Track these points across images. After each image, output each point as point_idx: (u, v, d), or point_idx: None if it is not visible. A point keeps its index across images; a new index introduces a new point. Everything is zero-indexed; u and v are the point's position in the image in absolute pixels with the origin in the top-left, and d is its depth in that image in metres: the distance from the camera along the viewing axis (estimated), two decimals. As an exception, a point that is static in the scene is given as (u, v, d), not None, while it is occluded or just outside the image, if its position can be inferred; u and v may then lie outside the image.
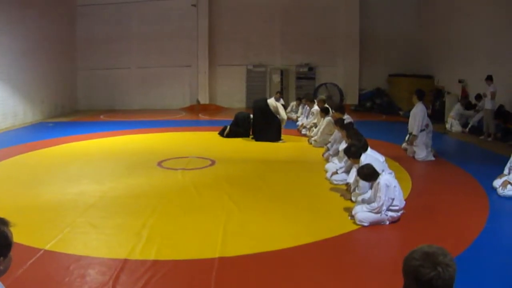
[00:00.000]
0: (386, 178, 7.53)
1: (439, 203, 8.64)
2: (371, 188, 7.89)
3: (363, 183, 8.22)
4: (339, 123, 11.40)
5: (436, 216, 7.91)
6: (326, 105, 15.06)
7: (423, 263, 2.56)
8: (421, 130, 12.26)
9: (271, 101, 15.47)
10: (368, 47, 24.52)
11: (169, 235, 7.15)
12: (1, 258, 2.87)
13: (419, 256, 2.60)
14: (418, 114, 12.33)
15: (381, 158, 9.10)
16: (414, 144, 12.30)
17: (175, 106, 24.79)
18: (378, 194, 7.39)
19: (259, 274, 5.84)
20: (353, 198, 8.50)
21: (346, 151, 8.97)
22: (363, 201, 7.83)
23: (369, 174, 7.63)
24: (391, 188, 7.40)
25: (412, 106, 12.89)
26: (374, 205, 7.37)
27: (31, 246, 6.48)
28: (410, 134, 12.49)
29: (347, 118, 12.60)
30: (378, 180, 7.48)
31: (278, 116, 15.12)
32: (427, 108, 13.31)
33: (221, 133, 15.79)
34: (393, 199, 7.38)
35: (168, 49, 24.80)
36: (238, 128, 15.72)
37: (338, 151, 11.05)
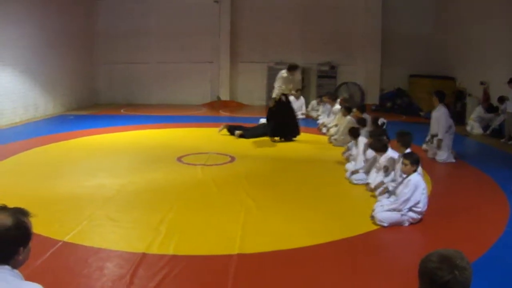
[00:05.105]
0: (418, 179, 7.53)
1: (459, 206, 8.55)
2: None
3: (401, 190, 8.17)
4: (361, 122, 11.60)
5: (456, 219, 7.84)
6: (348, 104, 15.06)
7: (440, 265, 2.55)
8: (447, 131, 12.21)
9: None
10: (389, 47, 24.33)
11: (187, 230, 7.17)
12: (21, 248, 2.89)
13: (436, 259, 2.59)
14: (441, 118, 12.22)
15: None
16: (443, 146, 12.20)
17: (196, 102, 24.77)
18: (404, 190, 7.39)
19: (277, 272, 5.84)
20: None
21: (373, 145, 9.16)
22: (389, 192, 7.92)
23: (418, 158, 7.70)
24: (419, 190, 7.39)
25: (433, 107, 12.81)
26: (398, 199, 7.40)
27: (50, 237, 6.53)
28: (432, 136, 12.44)
29: (365, 116, 12.76)
30: (410, 177, 7.50)
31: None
32: (449, 109, 13.19)
33: (231, 131, 15.43)
34: (418, 202, 7.37)
35: (190, 45, 24.76)
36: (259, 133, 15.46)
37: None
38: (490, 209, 8.38)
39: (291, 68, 14.82)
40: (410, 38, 23.84)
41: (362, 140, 10.89)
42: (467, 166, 11.87)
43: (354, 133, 11.27)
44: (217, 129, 15.69)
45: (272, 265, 6.02)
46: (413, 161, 7.61)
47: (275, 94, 14.51)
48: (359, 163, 10.37)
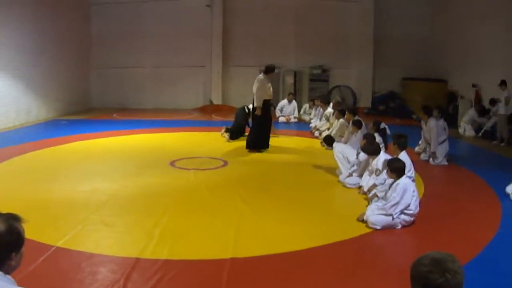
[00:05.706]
0: (406, 182, 7.54)
1: (451, 208, 8.56)
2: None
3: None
4: (356, 124, 11.68)
5: (448, 221, 7.85)
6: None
7: (431, 269, 2.55)
8: (441, 142, 12.27)
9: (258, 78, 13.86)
10: (382, 50, 24.36)
11: (181, 235, 7.16)
12: (13, 253, 2.88)
13: (428, 262, 2.58)
14: (432, 131, 12.29)
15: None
16: (437, 156, 12.25)
17: (188, 106, 24.73)
18: (393, 194, 7.40)
19: (271, 276, 5.85)
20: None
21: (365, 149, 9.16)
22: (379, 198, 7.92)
23: (400, 168, 7.67)
24: (408, 193, 7.39)
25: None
26: (387, 204, 7.39)
27: (43, 242, 6.50)
28: (428, 144, 12.54)
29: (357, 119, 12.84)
30: (398, 181, 7.50)
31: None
32: (442, 114, 13.18)
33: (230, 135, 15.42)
34: (408, 204, 7.38)
35: (182, 49, 24.71)
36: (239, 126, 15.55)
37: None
38: (482, 211, 8.42)
39: (268, 70, 13.75)
40: (402, 41, 23.88)
41: (337, 146, 10.93)
42: (460, 168, 11.91)
43: (328, 141, 11.30)
44: (210, 133, 15.73)
45: (265, 269, 6.02)
46: (392, 169, 7.66)
47: (257, 103, 13.60)
48: (344, 169, 10.36)
